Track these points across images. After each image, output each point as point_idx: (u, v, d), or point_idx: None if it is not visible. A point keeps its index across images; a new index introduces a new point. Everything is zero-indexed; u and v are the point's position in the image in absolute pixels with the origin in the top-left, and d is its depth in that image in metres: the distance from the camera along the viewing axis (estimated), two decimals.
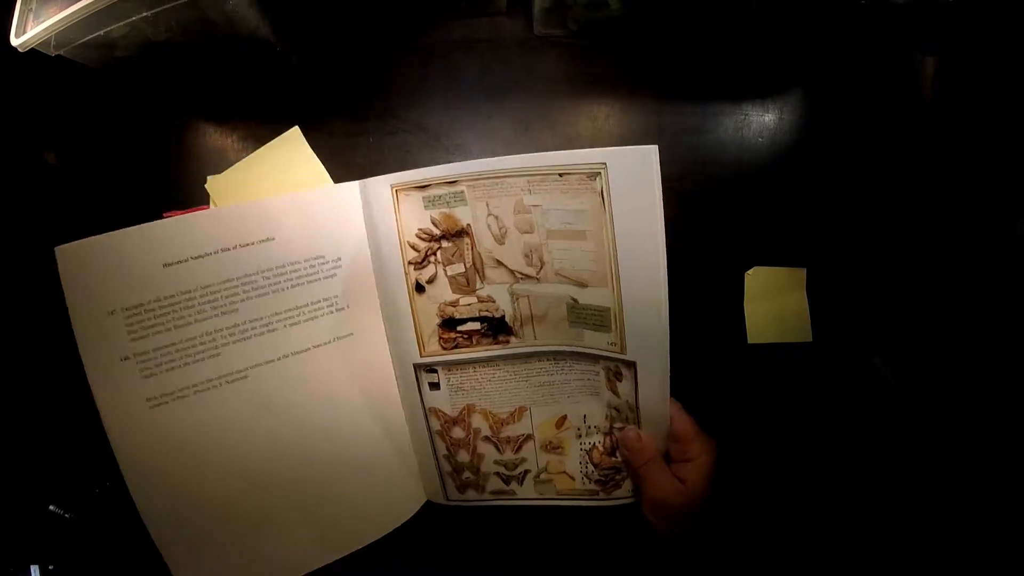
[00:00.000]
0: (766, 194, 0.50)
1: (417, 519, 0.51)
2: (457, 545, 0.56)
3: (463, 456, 0.50)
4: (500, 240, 0.45)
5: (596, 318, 0.44)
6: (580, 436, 0.49)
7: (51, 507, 0.44)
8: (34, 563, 0.43)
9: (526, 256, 0.45)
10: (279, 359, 0.46)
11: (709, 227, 0.43)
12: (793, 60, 0.49)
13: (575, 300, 0.44)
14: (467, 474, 0.51)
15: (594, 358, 0.46)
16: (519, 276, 0.45)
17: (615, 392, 0.47)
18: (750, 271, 0.50)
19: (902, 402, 0.49)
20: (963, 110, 0.48)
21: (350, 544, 0.49)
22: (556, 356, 0.47)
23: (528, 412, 0.49)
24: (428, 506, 0.52)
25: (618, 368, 0.45)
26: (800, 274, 0.50)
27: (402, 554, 0.55)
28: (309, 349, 0.47)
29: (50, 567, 0.42)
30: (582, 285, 0.43)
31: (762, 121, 0.50)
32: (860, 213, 0.50)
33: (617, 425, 0.48)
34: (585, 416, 0.48)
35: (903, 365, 0.49)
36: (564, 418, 0.49)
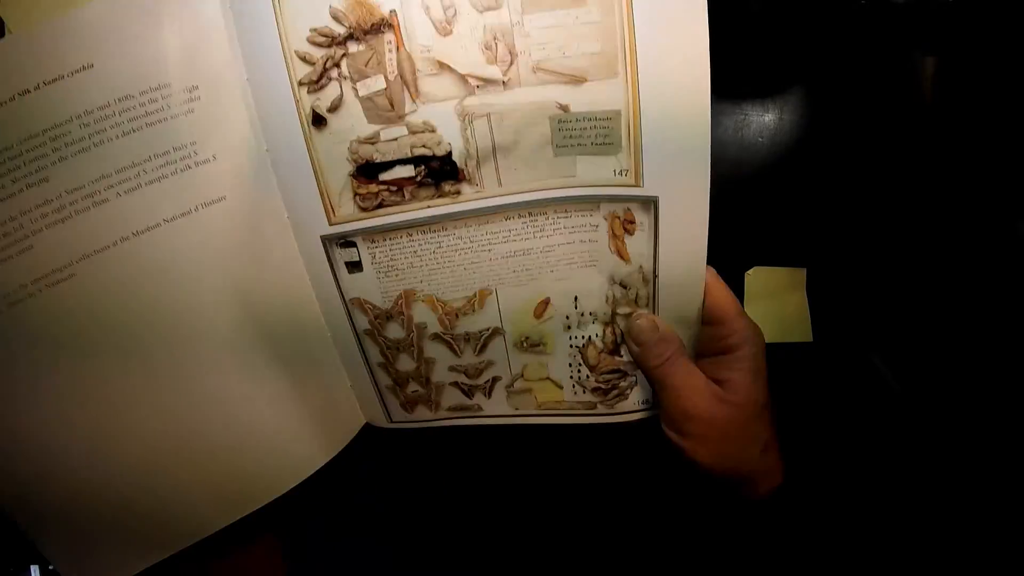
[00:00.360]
0: (766, 194, 0.49)
1: (354, 448, 0.37)
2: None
3: (405, 363, 0.36)
4: (444, 29, 0.28)
5: (598, 132, 0.28)
6: (569, 328, 0.34)
7: None
8: (34, 563, 0.41)
9: (487, 49, 0.28)
10: (115, 244, 0.30)
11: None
12: (793, 60, 0.48)
13: (565, 109, 0.28)
14: (414, 387, 0.37)
15: (592, 202, 0.30)
16: (475, 84, 0.29)
17: (622, 255, 0.31)
18: (750, 271, 0.49)
19: (903, 402, 0.48)
20: (963, 110, 0.47)
21: (258, 497, 0.35)
22: (532, 209, 0.31)
23: (493, 297, 0.33)
24: (367, 431, 0.39)
25: (629, 214, 0.30)
26: (800, 274, 0.49)
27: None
28: (159, 225, 0.30)
29: (50, 567, 0.40)
30: (577, 81, 0.27)
31: (762, 121, 0.49)
32: (860, 213, 0.49)
33: (623, 310, 0.33)
34: (577, 298, 0.33)
35: (903, 365, 0.48)
36: (546, 302, 0.33)
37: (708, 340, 0.33)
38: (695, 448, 0.32)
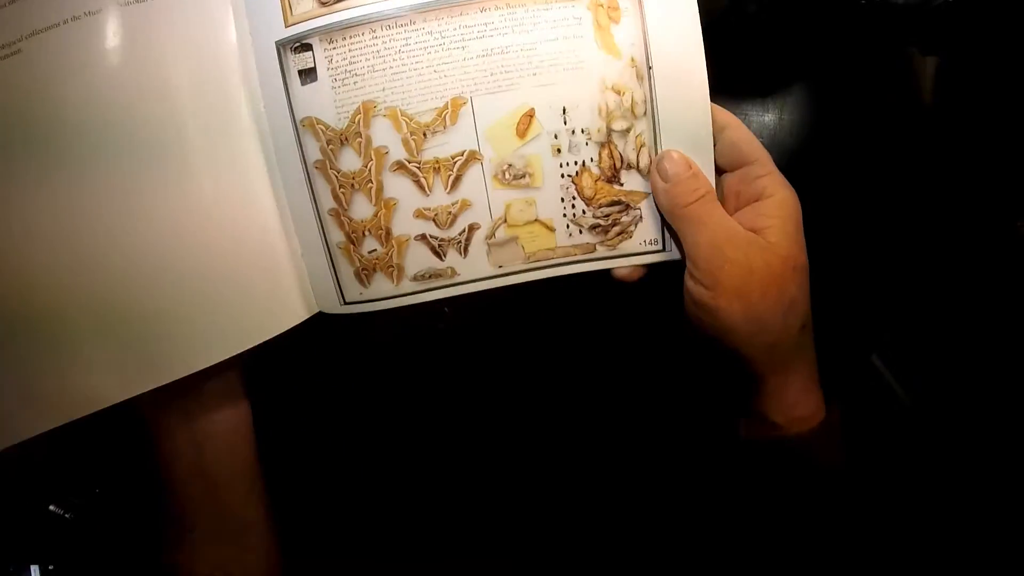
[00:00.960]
0: None
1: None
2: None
3: (361, 208, 0.29)
4: None
5: None
6: (559, 152, 0.29)
7: (51, 507, 0.42)
8: (34, 563, 0.41)
9: None
10: (64, 23, 0.26)
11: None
12: (793, 60, 0.48)
13: None
14: (371, 244, 0.30)
15: None
16: None
17: (612, 50, 0.28)
18: None
19: (904, 403, 0.47)
20: (963, 110, 0.47)
21: (162, 372, 0.27)
22: None
23: (468, 107, 0.29)
24: (319, 319, 0.31)
25: (612, 0, 0.27)
26: None
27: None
28: (108, 7, 0.26)
29: (50, 567, 0.41)
30: None
31: (762, 121, 0.49)
32: (860, 213, 0.48)
33: (618, 124, 0.29)
34: (565, 110, 0.29)
35: (903, 365, 0.48)
36: (530, 115, 0.29)
37: (738, 185, 0.29)
38: (729, 304, 0.27)
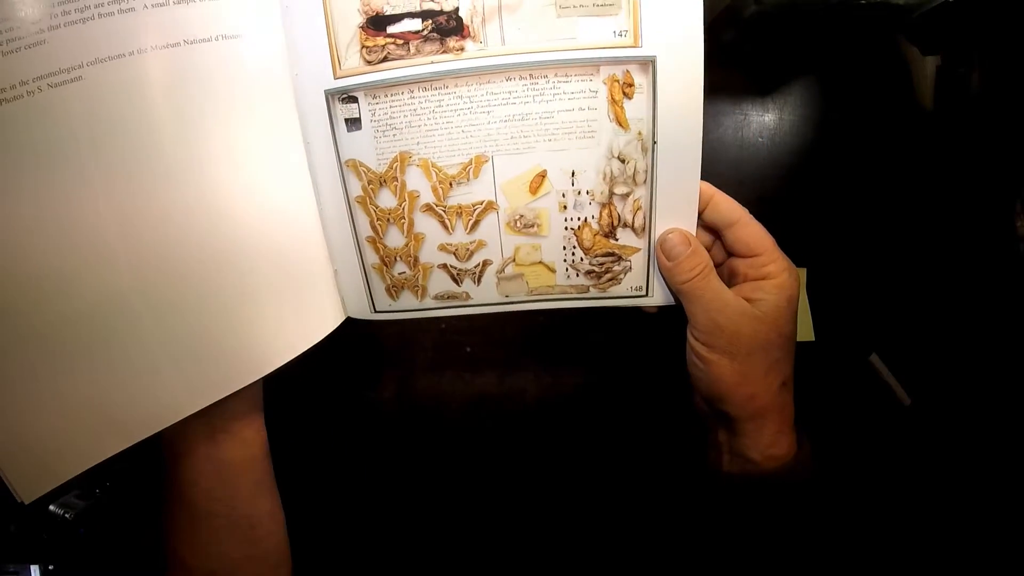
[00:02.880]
0: (766, 194, 0.50)
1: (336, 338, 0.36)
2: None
3: (395, 238, 0.35)
4: None
5: None
6: (565, 208, 0.34)
7: (51, 507, 0.42)
8: (34, 563, 0.41)
9: None
10: (130, 54, 0.28)
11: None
12: (793, 60, 0.49)
13: None
14: (401, 267, 0.36)
15: (592, 65, 0.30)
16: None
17: (621, 123, 0.31)
18: None
19: (904, 403, 0.48)
20: (963, 110, 0.47)
21: (225, 382, 0.32)
22: (533, 71, 0.31)
23: (489, 164, 0.33)
24: (348, 324, 0.37)
25: (628, 76, 0.30)
26: (800, 274, 0.46)
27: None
28: (179, 44, 0.29)
29: (50, 567, 0.41)
30: None
31: (762, 121, 0.49)
32: (860, 212, 0.49)
33: (620, 189, 0.33)
34: (573, 173, 0.33)
35: (903, 365, 0.48)
36: (542, 176, 0.33)
37: (746, 269, 0.33)
38: (720, 363, 0.32)
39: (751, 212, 0.37)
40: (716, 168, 0.49)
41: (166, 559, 0.35)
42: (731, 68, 0.49)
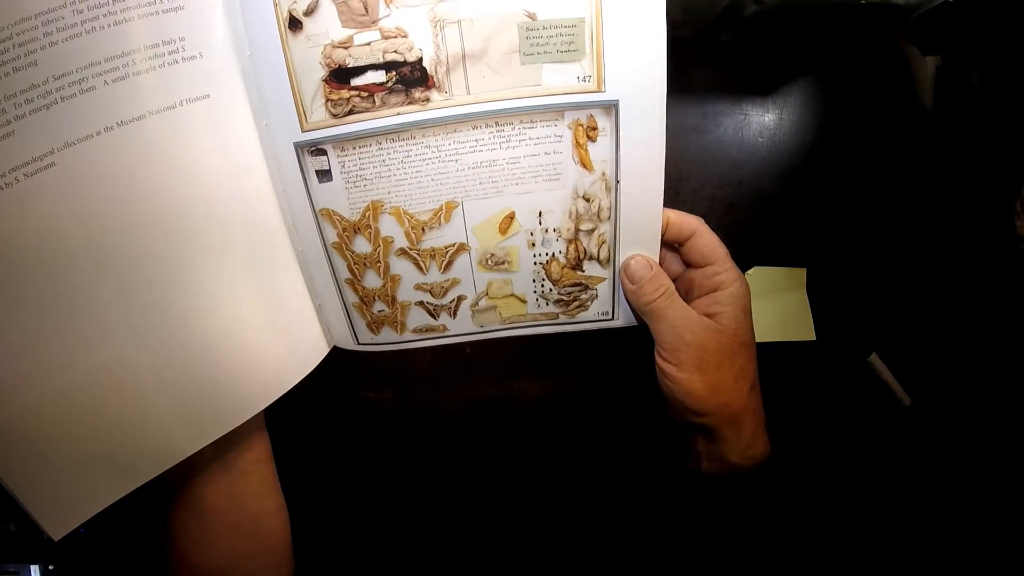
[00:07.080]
0: (766, 194, 0.50)
1: (322, 371, 0.37)
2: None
3: (372, 280, 0.36)
4: None
5: (563, 39, 0.30)
6: (534, 246, 0.36)
7: None
8: (34, 563, 0.41)
9: None
10: (99, 133, 0.29)
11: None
12: (793, 60, 0.48)
13: (532, 17, 0.29)
14: (380, 306, 0.37)
15: (556, 111, 0.32)
16: None
17: (585, 164, 0.33)
18: (750, 271, 0.49)
19: (904, 403, 0.48)
20: (963, 110, 0.47)
21: (229, 419, 0.34)
22: (499, 118, 0.32)
23: (459, 210, 0.34)
24: (335, 353, 0.39)
25: (592, 120, 0.31)
26: (800, 274, 0.50)
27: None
28: (144, 116, 0.29)
29: (50, 567, 0.41)
30: None
31: (762, 121, 0.49)
32: (860, 212, 0.49)
33: (585, 225, 0.35)
34: (541, 213, 0.35)
35: (903, 365, 0.49)
36: (511, 217, 0.35)
37: (701, 279, 0.35)
38: (691, 378, 0.34)
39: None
40: (716, 168, 0.50)
41: (168, 558, 0.36)
42: (731, 68, 0.49)
